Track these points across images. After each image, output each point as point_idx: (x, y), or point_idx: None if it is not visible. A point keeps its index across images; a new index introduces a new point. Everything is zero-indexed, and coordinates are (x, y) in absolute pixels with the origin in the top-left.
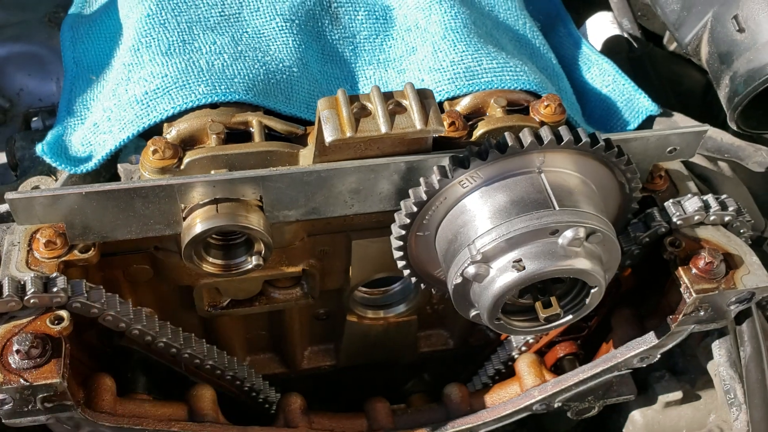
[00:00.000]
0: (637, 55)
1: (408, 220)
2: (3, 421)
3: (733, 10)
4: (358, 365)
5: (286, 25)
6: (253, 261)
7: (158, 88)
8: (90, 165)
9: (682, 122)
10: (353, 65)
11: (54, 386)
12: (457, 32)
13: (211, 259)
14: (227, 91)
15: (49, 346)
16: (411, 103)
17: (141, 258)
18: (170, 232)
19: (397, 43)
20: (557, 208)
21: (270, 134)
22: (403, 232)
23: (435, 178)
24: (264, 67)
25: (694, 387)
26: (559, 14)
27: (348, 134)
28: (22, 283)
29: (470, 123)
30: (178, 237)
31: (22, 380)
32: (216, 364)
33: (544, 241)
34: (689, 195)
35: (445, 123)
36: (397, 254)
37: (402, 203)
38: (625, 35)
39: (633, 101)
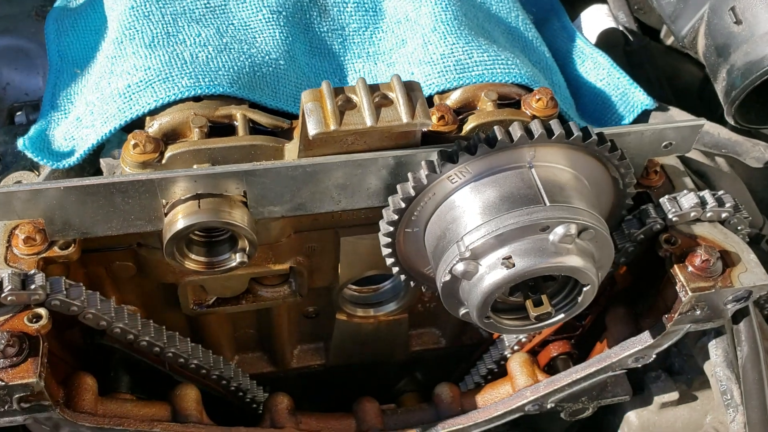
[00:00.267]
0: (633, 49)
1: (396, 216)
2: None
3: (730, 2)
4: (348, 364)
5: (272, 17)
6: (237, 258)
7: (141, 81)
8: (72, 160)
9: (679, 117)
10: (342, 58)
11: (31, 386)
12: (448, 24)
13: (193, 256)
14: (211, 83)
15: (26, 344)
16: (397, 96)
17: (123, 255)
18: (152, 228)
19: (386, 36)
20: (548, 203)
21: (255, 128)
22: (391, 229)
23: (423, 173)
24: (250, 60)
25: (691, 387)
26: (553, 7)
27: (332, 127)
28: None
29: (460, 117)
30: (161, 233)
31: None
32: (201, 364)
33: (535, 237)
34: (685, 191)
35: (435, 117)
36: (385, 251)
37: (390, 199)
38: (621, 28)
39: (628, 95)
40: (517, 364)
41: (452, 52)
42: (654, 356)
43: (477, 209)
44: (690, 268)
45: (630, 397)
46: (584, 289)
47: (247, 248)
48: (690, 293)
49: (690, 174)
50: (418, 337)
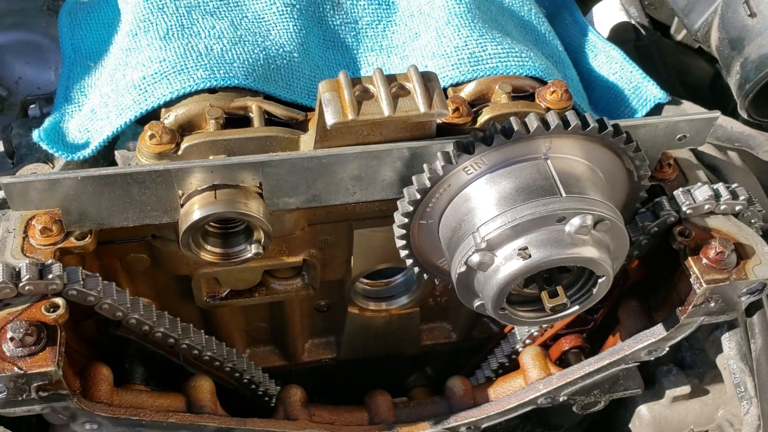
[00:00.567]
0: (645, 44)
1: (411, 208)
2: None
3: None
4: (359, 358)
5: (286, 10)
6: (253, 249)
7: (156, 73)
8: (87, 152)
9: (692, 110)
10: (355, 51)
11: (49, 374)
12: (461, 17)
13: (209, 248)
14: (226, 75)
15: (44, 333)
16: (414, 86)
17: (138, 246)
18: (168, 219)
19: (399, 29)
20: (564, 194)
21: (270, 120)
22: (406, 220)
23: (439, 164)
24: (264, 52)
25: (702, 381)
26: (564, 1)
27: (350, 117)
28: (17, 269)
29: (475, 109)
30: (176, 224)
31: (16, 368)
32: (215, 355)
33: (551, 228)
34: (699, 184)
35: (450, 109)
36: (399, 243)
37: (405, 190)
38: (633, 23)
39: (641, 89)
40: (529, 357)
41: (466, 45)
42: (667, 349)
43: (492, 200)
44: (704, 260)
45: (642, 391)
46: (599, 280)
47: (263, 239)
48: (704, 285)
49: (703, 168)
50: (429, 332)
